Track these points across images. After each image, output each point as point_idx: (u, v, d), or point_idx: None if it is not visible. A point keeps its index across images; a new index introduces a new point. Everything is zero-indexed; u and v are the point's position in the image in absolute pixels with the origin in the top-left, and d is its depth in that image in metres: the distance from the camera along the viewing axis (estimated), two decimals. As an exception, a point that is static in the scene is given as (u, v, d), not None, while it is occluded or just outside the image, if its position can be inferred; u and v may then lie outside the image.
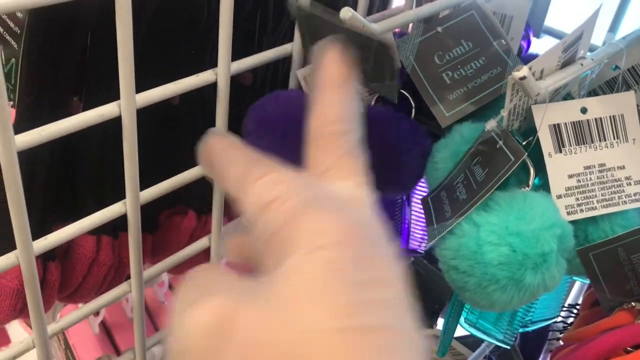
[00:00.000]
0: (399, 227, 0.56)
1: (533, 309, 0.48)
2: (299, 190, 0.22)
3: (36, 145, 0.33)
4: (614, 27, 0.55)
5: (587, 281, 0.53)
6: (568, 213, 0.36)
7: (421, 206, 0.41)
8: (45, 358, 0.40)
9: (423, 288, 0.67)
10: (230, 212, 0.55)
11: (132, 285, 0.43)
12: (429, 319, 0.65)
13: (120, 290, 0.44)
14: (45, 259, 0.42)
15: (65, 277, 0.44)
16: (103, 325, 0.66)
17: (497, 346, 0.61)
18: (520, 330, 0.49)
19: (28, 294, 0.36)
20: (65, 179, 0.43)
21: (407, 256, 0.64)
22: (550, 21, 0.53)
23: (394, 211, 0.54)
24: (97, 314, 0.64)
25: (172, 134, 0.50)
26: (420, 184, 0.56)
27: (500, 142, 0.34)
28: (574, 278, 0.51)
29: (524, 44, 0.51)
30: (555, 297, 0.49)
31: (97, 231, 0.45)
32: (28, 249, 0.35)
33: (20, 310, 0.42)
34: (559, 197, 0.36)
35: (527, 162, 0.35)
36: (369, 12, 0.50)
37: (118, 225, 0.46)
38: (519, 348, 0.65)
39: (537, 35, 0.53)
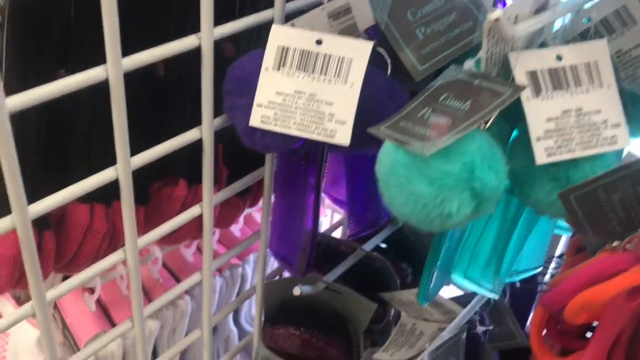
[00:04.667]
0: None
1: (517, 259, 0.49)
2: None
3: (24, 116, 0.34)
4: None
5: (564, 232, 0.55)
6: (548, 155, 0.38)
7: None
8: (46, 324, 0.41)
9: (413, 252, 0.68)
10: (220, 181, 0.55)
11: (127, 250, 0.44)
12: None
13: (116, 257, 0.44)
14: (40, 228, 0.42)
15: (61, 247, 0.45)
16: (99, 303, 0.67)
17: (487, 303, 0.63)
18: (507, 280, 0.50)
19: (25, 258, 0.37)
20: (55, 150, 0.44)
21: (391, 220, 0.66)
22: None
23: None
24: (92, 291, 0.65)
25: (160, 106, 0.50)
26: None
27: (476, 82, 0.36)
28: (558, 227, 0.53)
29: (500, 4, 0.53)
30: (538, 247, 0.51)
31: (90, 199, 0.45)
32: (23, 211, 0.35)
33: (18, 280, 0.43)
34: (538, 139, 0.38)
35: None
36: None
37: (110, 194, 0.46)
38: (509, 306, 0.66)
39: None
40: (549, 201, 0.40)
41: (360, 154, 0.55)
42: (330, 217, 0.93)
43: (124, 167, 0.41)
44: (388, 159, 0.37)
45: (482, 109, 0.34)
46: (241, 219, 0.78)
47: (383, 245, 0.68)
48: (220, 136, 0.55)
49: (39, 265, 0.38)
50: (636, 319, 0.37)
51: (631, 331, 0.37)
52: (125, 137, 0.40)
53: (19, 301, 0.75)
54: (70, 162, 0.44)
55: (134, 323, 0.49)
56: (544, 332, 0.44)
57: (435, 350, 0.53)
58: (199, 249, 0.74)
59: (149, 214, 0.52)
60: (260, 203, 0.58)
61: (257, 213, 0.81)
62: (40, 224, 0.42)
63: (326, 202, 0.92)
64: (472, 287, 0.51)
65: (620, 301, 0.34)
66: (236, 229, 0.79)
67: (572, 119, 0.38)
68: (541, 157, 0.38)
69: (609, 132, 0.39)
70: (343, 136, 0.41)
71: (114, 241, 0.47)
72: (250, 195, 0.61)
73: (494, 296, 0.51)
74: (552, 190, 0.39)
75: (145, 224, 0.52)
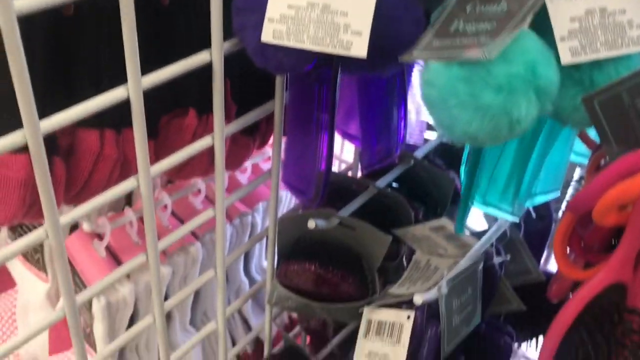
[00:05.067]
0: (394, 118, 0.56)
1: (536, 181, 0.48)
2: None
3: (29, 33, 0.33)
4: None
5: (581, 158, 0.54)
6: (572, 54, 0.37)
7: (419, 96, 0.41)
8: (60, 247, 0.40)
9: (425, 191, 0.67)
10: (230, 117, 0.54)
11: (140, 177, 0.43)
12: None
13: (129, 184, 0.43)
14: (50, 152, 0.41)
15: (71, 175, 0.44)
16: (109, 250, 0.66)
17: (503, 236, 0.62)
18: (527, 204, 0.49)
19: (38, 176, 0.36)
20: (63, 74, 0.43)
21: (408, 155, 0.65)
22: None
23: (387, 102, 0.54)
24: (101, 238, 0.64)
25: (167, 37, 0.49)
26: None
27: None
28: (575, 154, 0.52)
29: None
30: (557, 169, 0.50)
31: (100, 125, 0.44)
32: (34, 125, 0.34)
33: (29, 207, 0.42)
34: (562, 39, 0.36)
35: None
36: None
37: (120, 121, 0.45)
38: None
39: None
40: (573, 106, 0.39)
41: (373, 83, 0.54)
42: (338, 166, 0.92)
43: (134, 85, 0.39)
44: (441, 79, 0.35)
45: (523, 5, 0.33)
46: (249, 168, 0.77)
47: (395, 185, 0.68)
48: (228, 71, 0.54)
49: (51, 185, 0.37)
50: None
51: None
52: (136, 53, 0.38)
53: (27, 259, 0.75)
54: (79, 86, 0.43)
55: (148, 257, 0.49)
56: (568, 250, 0.43)
57: (453, 278, 0.52)
58: (208, 198, 0.73)
59: (159, 147, 0.50)
60: (270, 153, 0.58)
61: (264, 163, 0.80)
62: (50, 147, 0.41)
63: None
64: (491, 211, 0.50)
65: (651, 197, 0.33)
66: (244, 178, 0.78)
67: (596, 19, 0.37)
68: (565, 57, 0.37)
69: (635, 33, 0.38)
70: (360, 48, 0.40)
71: (125, 170, 0.47)
72: (260, 134, 0.60)
73: (515, 219, 0.50)
74: (575, 94, 0.38)
75: (156, 158, 0.51)
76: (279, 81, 0.51)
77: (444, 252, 0.60)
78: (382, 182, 0.63)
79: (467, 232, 0.57)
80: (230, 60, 0.46)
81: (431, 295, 0.50)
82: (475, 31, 0.35)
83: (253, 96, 0.54)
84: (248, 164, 0.76)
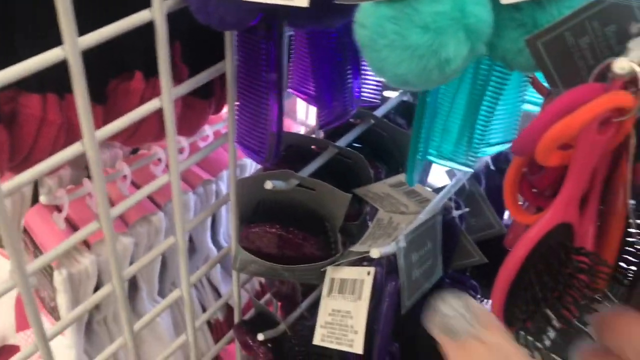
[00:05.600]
0: (348, 75, 0.55)
1: (488, 130, 0.48)
2: None
3: None
4: None
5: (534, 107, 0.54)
6: (511, -6, 0.36)
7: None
8: (2, 213, 0.39)
9: (386, 150, 0.67)
10: (181, 80, 0.53)
11: (85, 142, 0.42)
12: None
13: (74, 148, 0.42)
14: (-11, 119, 0.40)
15: (15, 143, 0.43)
16: (69, 222, 0.65)
17: (462, 190, 0.62)
18: (480, 154, 0.49)
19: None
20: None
21: (368, 114, 0.64)
22: None
23: (340, 58, 0.54)
24: (60, 210, 0.63)
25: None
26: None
27: None
28: (528, 103, 0.52)
29: None
30: (509, 118, 0.50)
31: (42, 90, 0.43)
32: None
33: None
34: (501, -22, 0.36)
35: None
36: None
37: (62, 85, 0.44)
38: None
39: None
40: (517, 49, 0.38)
41: (323, 38, 0.53)
42: (305, 131, 0.91)
43: (71, 46, 0.38)
44: (371, 19, 0.35)
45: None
46: (211, 134, 0.76)
47: (357, 145, 0.67)
48: (177, 32, 0.53)
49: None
50: (609, 156, 0.36)
51: (605, 171, 0.36)
52: (70, 12, 0.37)
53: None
54: (21, 51, 0.42)
55: (101, 224, 0.48)
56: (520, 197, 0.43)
57: (411, 232, 0.52)
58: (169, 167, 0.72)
59: (107, 113, 0.49)
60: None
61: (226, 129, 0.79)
62: (-11, 114, 0.40)
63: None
64: (447, 164, 0.50)
65: (591, 134, 0.33)
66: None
67: (535, -42, 0.37)
68: (505, -3, 0.36)
69: (576, -29, 0.37)
70: (300, -3, 0.39)
71: (71, 136, 0.46)
72: (216, 97, 0.59)
73: (469, 170, 0.50)
74: (519, 37, 0.38)
75: (104, 124, 0.50)
76: (228, 40, 0.51)
77: (405, 209, 0.60)
78: (342, 142, 0.62)
79: (428, 189, 0.57)
80: (179, 21, 0.45)
81: (389, 249, 0.50)
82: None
83: (206, 58, 0.53)
84: (210, 131, 0.75)
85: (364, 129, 0.65)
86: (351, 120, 0.66)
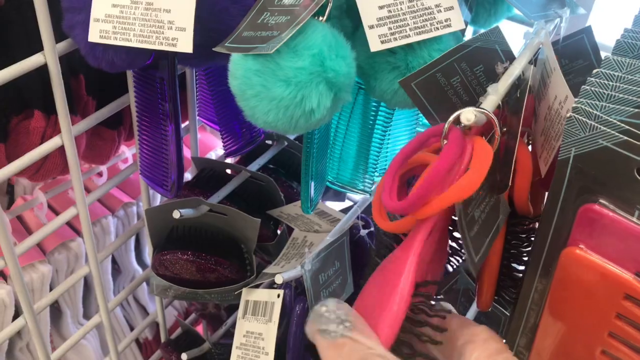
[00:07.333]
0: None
1: (383, 156, 0.50)
2: None
3: None
4: None
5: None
6: (382, 42, 0.38)
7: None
8: None
9: (299, 170, 0.69)
10: (88, 112, 0.54)
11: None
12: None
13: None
14: None
15: None
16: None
17: (369, 208, 0.64)
18: (376, 178, 0.51)
19: None
20: None
21: (281, 137, 0.66)
22: None
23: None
24: (41, 205, 0.64)
25: (4, 37, 0.48)
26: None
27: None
28: (423, 125, 0.54)
29: None
30: (404, 142, 0.52)
31: None
32: None
33: None
34: (371, 27, 0.38)
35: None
36: None
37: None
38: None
39: None
40: (392, 90, 0.41)
41: (220, 69, 0.54)
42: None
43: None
44: (240, 70, 0.36)
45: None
46: (130, 158, 0.76)
47: (271, 166, 0.69)
48: (79, 65, 0.53)
49: None
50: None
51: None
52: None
53: None
54: None
55: (7, 264, 0.48)
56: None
57: (316, 255, 0.54)
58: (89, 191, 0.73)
59: (10, 151, 0.50)
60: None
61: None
62: None
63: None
64: (345, 189, 0.52)
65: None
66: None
67: (404, 5, 0.39)
68: (375, 45, 0.38)
69: (443, 16, 0.40)
70: (185, 43, 0.40)
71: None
72: (125, 127, 0.60)
73: (367, 195, 0.52)
74: (393, 79, 0.40)
75: (7, 161, 0.50)
76: (129, 75, 0.51)
77: (319, 227, 0.62)
78: (255, 165, 0.64)
79: (336, 210, 0.59)
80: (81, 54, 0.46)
81: (293, 273, 0.52)
82: (275, 23, 0.36)
83: (115, 86, 0.54)
84: (129, 154, 0.75)
85: (278, 150, 0.67)
86: (267, 142, 0.68)
